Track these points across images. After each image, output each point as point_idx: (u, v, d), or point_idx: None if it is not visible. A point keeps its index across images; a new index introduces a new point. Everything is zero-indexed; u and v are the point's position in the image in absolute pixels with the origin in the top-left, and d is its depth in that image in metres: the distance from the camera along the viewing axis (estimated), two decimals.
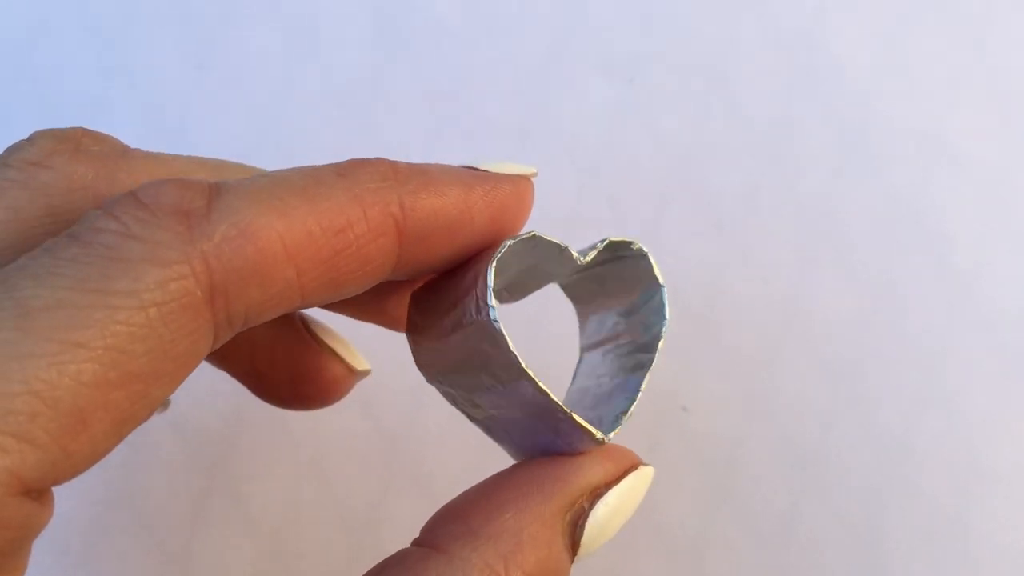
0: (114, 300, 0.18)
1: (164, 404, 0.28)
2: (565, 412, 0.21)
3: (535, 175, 0.25)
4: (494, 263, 0.21)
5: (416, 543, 0.21)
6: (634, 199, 0.34)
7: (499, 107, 0.34)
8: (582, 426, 0.21)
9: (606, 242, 0.23)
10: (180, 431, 0.32)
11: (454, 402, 0.23)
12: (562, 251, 0.23)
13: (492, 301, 0.21)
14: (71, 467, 0.18)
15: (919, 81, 0.34)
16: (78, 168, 0.22)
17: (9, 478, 0.17)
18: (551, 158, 0.34)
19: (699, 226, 0.34)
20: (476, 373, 0.22)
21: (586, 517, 0.21)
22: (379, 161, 0.22)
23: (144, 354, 0.18)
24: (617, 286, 0.25)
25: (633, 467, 0.22)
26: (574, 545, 0.21)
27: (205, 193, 0.20)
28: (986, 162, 0.34)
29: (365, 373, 0.28)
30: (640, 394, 0.23)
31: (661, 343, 0.23)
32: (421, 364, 0.23)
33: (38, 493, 0.18)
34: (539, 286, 0.25)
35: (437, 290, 0.24)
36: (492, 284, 0.21)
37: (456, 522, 0.21)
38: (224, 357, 0.28)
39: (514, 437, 0.23)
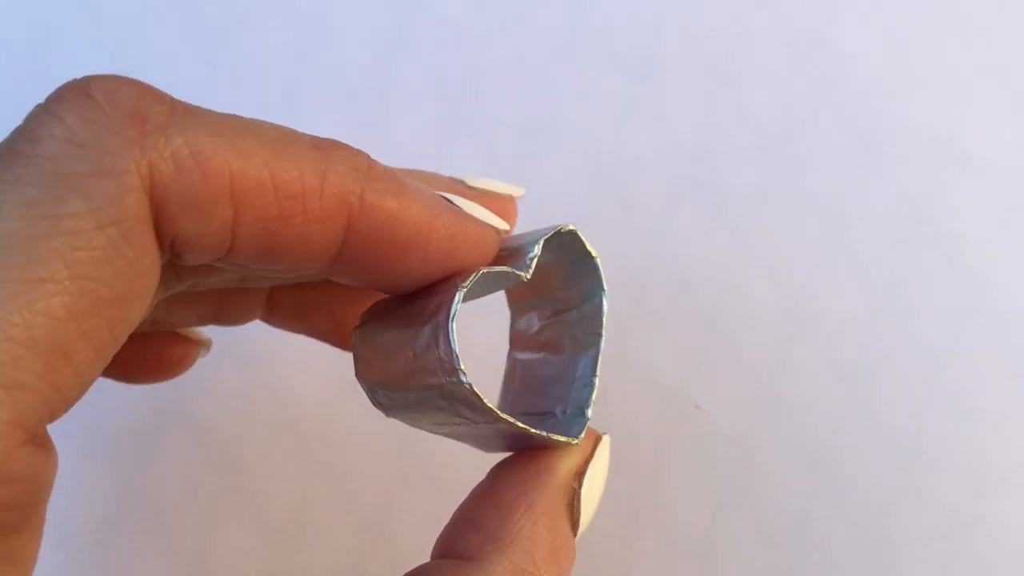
0: (69, 224, 0.17)
1: (206, 347, 0.29)
2: (543, 436, 0.22)
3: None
4: (453, 322, 0.21)
5: (439, 556, 0.21)
6: (645, 198, 0.34)
7: (510, 105, 0.34)
8: (559, 440, 0.22)
9: (540, 242, 0.23)
10: (194, 430, 0.33)
11: (412, 424, 0.24)
12: (508, 275, 0.22)
13: (462, 366, 0.20)
14: (62, 402, 0.18)
15: (930, 81, 0.34)
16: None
17: (11, 430, 0.17)
18: (562, 155, 0.34)
19: (710, 225, 0.34)
20: (442, 414, 0.22)
21: (579, 497, 0.22)
22: (358, 152, 0.21)
23: (112, 277, 0.18)
24: (553, 272, 0.25)
25: (598, 440, 0.23)
26: (574, 524, 0.22)
27: (167, 103, 0.19)
28: (997, 163, 0.34)
29: (206, 345, 0.28)
30: (597, 379, 0.24)
31: (605, 318, 0.24)
32: (374, 400, 0.23)
33: (40, 438, 0.18)
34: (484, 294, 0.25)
35: (384, 324, 0.23)
36: (457, 348, 0.20)
37: (474, 531, 0.21)
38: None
39: (485, 446, 0.24)
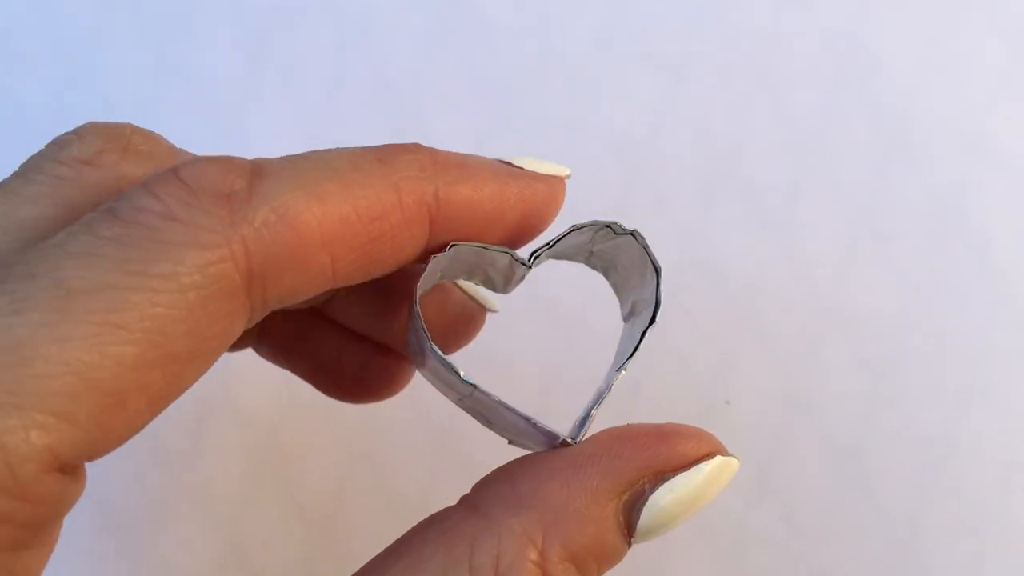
0: (155, 283, 0.18)
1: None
2: (532, 422, 0.20)
3: (568, 176, 0.24)
4: (418, 311, 0.21)
5: (462, 500, 0.21)
6: (679, 194, 0.34)
7: (547, 101, 0.35)
8: (547, 432, 0.20)
9: (575, 230, 0.23)
10: (236, 417, 0.33)
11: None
12: (486, 253, 0.22)
13: (471, 379, 0.20)
14: (106, 444, 0.18)
15: (961, 78, 0.34)
16: (127, 167, 0.21)
17: (47, 455, 0.17)
18: (598, 152, 0.34)
19: (743, 221, 0.34)
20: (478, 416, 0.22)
21: (645, 500, 0.20)
22: (418, 148, 0.22)
23: (182, 336, 0.18)
24: (626, 268, 0.24)
25: (711, 454, 0.20)
26: (629, 528, 0.20)
27: (246, 175, 0.20)
28: None
29: (492, 310, 0.27)
30: (609, 391, 0.21)
31: (647, 332, 0.22)
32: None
33: (72, 468, 0.18)
34: (503, 277, 0.24)
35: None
36: (460, 371, 0.20)
37: (504, 484, 0.20)
38: (290, 357, 0.28)
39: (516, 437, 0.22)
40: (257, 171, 0.20)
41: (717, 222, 0.34)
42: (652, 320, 0.21)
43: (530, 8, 0.35)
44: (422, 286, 0.22)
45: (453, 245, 0.22)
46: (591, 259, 0.24)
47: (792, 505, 0.33)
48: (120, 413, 0.18)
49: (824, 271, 0.33)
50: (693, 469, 0.20)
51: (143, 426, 0.19)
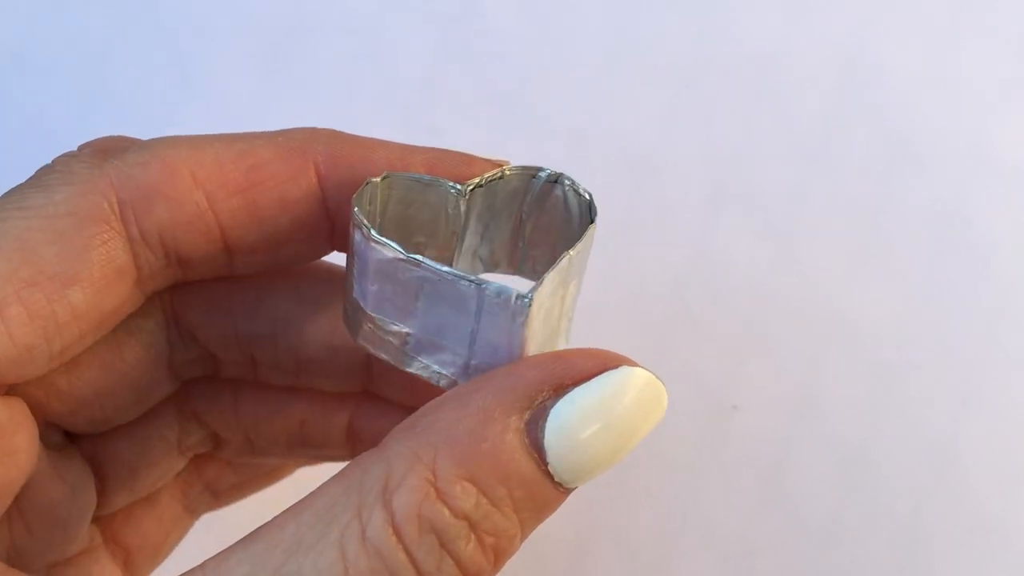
0: (27, 212, 0.20)
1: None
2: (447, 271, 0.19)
3: (504, 164, 0.23)
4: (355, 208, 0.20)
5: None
6: (686, 202, 0.34)
7: (557, 111, 0.35)
8: (503, 288, 0.18)
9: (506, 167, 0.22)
10: None
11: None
12: (431, 185, 0.22)
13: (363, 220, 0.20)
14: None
15: (963, 88, 0.34)
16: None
17: None
18: (606, 160, 0.34)
19: (749, 230, 0.34)
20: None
21: (546, 416, 0.18)
22: (323, 128, 0.23)
23: (55, 255, 0.20)
24: (555, 233, 0.23)
25: (609, 365, 0.19)
26: (538, 450, 0.18)
27: (128, 141, 0.22)
28: None
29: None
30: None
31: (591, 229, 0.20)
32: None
33: None
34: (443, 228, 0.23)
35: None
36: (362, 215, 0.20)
37: (403, 424, 0.19)
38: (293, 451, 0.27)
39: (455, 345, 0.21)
40: (146, 140, 0.22)
41: (723, 230, 0.34)
42: (591, 219, 0.21)
43: (539, 20, 0.35)
44: (356, 198, 0.21)
45: (387, 175, 0.21)
46: (523, 229, 0.23)
47: (798, 509, 0.33)
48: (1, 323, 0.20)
49: (829, 278, 0.34)
50: (594, 380, 0.19)
51: (32, 345, 0.20)
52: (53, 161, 0.22)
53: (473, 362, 0.20)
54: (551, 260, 0.21)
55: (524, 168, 0.22)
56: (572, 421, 0.18)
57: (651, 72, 0.35)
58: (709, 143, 0.34)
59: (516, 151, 0.34)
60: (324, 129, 0.23)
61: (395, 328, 0.21)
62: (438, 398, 0.19)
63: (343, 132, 0.23)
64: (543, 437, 0.18)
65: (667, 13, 0.35)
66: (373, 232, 0.20)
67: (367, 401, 0.26)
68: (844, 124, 0.34)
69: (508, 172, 0.22)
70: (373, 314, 0.21)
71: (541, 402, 0.18)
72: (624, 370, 0.19)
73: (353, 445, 0.26)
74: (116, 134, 0.23)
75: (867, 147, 0.34)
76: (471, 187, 0.22)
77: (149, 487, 0.26)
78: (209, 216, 0.22)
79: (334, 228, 0.23)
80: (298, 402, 0.26)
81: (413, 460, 0.18)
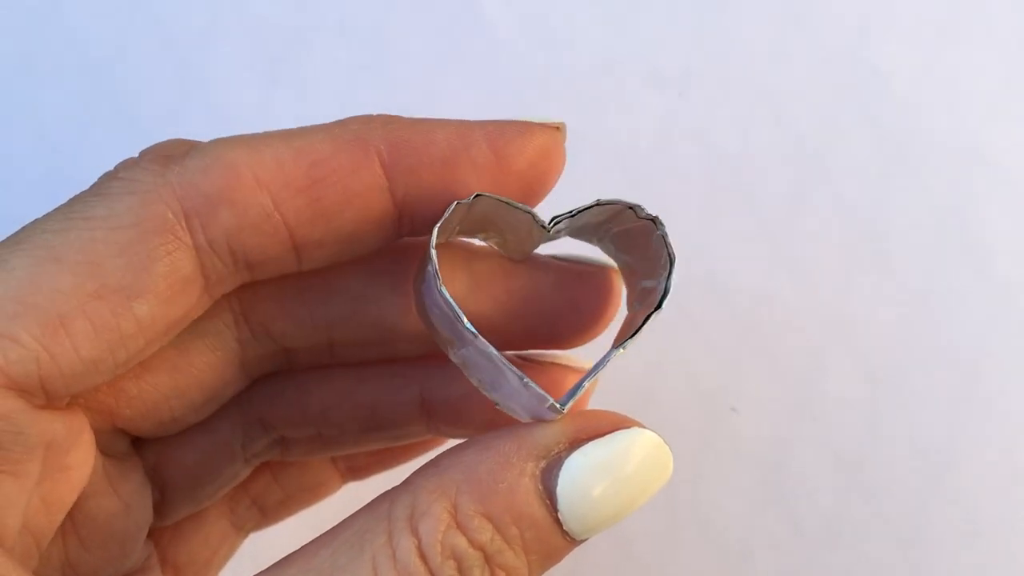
0: (92, 223, 0.20)
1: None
2: (513, 370, 0.20)
3: (560, 126, 0.23)
4: (443, 291, 0.20)
5: None
6: (683, 207, 0.34)
7: (557, 114, 0.35)
8: (543, 395, 0.20)
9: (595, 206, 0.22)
10: None
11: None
12: (517, 211, 0.22)
13: (473, 328, 0.20)
14: (55, 367, 0.20)
15: (961, 93, 0.34)
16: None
17: None
18: (603, 166, 0.35)
19: (747, 234, 0.34)
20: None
21: (561, 466, 0.20)
22: (377, 115, 0.22)
23: (120, 268, 0.20)
24: (640, 254, 0.23)
25: (622, 426, 0.20)
26: (551, 498, 0.19)
27: (188, 144, 0.22)
28: None
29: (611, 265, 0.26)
30: (601, 369, 0.21)
31: (652, 316, 0.21)
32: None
33: (31, 395, 0.20)
34: (516, 236, 0.24)
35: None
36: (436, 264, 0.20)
37: (427, 464, 0.20)
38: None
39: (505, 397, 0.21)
40: (203, 143, 0.21)
41: (721, 234, 0.34)
42: (658, 306, 0.21)
43: (537, 25, 0.35)
44: (440, 231, 0.21)
45: (478, 195, 0.21)
46: (605, 242, 0.24)
47: (797, 511, 0.33)
48: (63, 336, 0.20)
49: (827, 282, 0.34)
50: (607, 436, 0.20)
51: (96, 358, 0.20)
52: (116, 168, 0.21)
53: (500, 403, 0.22)
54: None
55: (616, 201, 0.22)
56: (583, 472, 0.20)
57: (647, 77, 0.35)
58: (706, 148, 0.34)
59: None
60: (379, 116, 0.22)
61: (447, 336, 0.22)
62: (461, 443, 0.21)
63: (398, 116, 0.22)
64: (556, 485, 0.19)
65: (666, 16, 0.35)
66: (445, 291, 0.20)
67: (436, 371, 0.26)
68: (841, 129, 0.34)
69: (599, 203, 0.22)
70: (432, 319, 0.22)
71: (557, 453, 0.20)
72: (635, 431, 0.20)
73: (429, 418, 0.26)
74: (175, 138, 0.23)
75: (864, 152, 0.34)
76: (558, 222, 0.22)
77: (211, 496, 0.26)
78: (276, 218, 0.21)
79: (401, 216, 0.22)
80: (367, 383, 0.26)
81: (438, 494, 0.19)
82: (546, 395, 0.20)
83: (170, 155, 0.21)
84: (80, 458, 0.22)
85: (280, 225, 0.21)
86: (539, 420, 0.21)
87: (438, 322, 0.21)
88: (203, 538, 0.27)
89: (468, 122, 0.22)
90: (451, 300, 0.20)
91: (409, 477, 0.20)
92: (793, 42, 0.35)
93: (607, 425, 0.20)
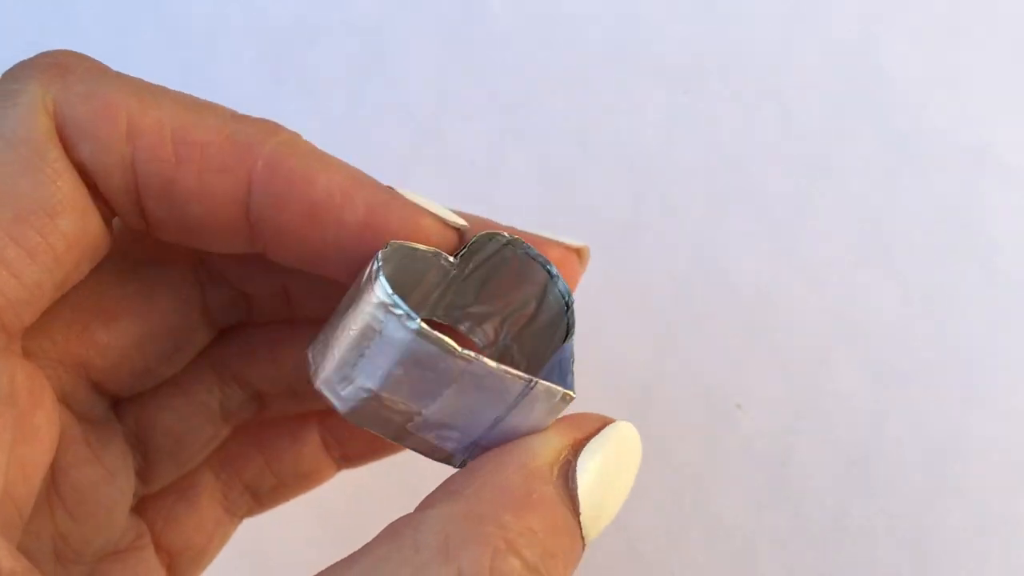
0: None
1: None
2: (508, 372, 0.19)
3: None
4: (380, 274, 0.19)
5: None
6: (689, 204, 0.34)
7: (560, 117, 0.35)
8: (553, 388, 0.19)
9: (475, 238, 0.22)
10: None
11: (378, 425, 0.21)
12: (427, 256, 0.21)
13: (395, 300, 0.19)
14: (4, 300, 0.20)
15: (967, 91, 0.34)
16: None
17: None
18: (609, 165, 0.34)
19: (752, 231, 0.34)
20: (403, 386, 0.20)
21: (574, 467, 0.19)
22: (286, 129, 0.21)
23: (31, 188, 0.20)
24: (500, 285, 0.23)
25: (607, 421, 0.21)
26: (574, 502, 0.19)
27: (90, 63, 0.21)
28: None
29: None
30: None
31: (570, 310, 0.21)
32: (335, 396, 0.21)
33: None
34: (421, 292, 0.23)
35: (326, 325, 0.22)
36: (389, 288, 0.19)
37: (439, 490, 0.20)
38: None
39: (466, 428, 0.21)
40: (104, 68, 0.21)
41: (727, 232, 0.34)
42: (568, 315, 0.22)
43: (543, 23, 0.35)
44: (374, 267, 0.20)
45: (389, 243, 0.21)
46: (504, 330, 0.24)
47: (801, 508, 0.33)
48: (2, 267, 0.19)
49: (832, 280, 0.34)
50: (600, 435, 0.20)
51: (35, 282, 0.20)
52: (5, 74, 0.21)
53: (483, 442, 0.21)
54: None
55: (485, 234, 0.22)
56: (595, 475, 0.20)
57: (653, 74, 0.35)
58: (712, 146, 0.34)
59: (516, 157, 0.35)
60: (285, 132, 0.22)
61: (404, 407, 0.20)
62: (465, 469, 0.20)
63: (301, 141, 0.22)
64: (576, 489, 0.19)
65: (670, 16, 0.35)
66: (423, 325, 0.19)
67: None
68: (847, 127, 0.34)
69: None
70: (382, 393, 0.20)
71: (566, 457, 0.20)
72: (618, 424, 0.21)
73: None
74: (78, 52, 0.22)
75: (870, 149, 0.34)
76: (461, 256, 0.22)
77: (194, 458, 0.26)
78: (130, 171, 0.21)
79: (253, 235, 0.22)
80: None
81: (474, 520, 0.18)
82: (556, 388, 0.20)
83: (66, 68, 0.21)
84: (45, 417, 0.21)
85: (132, 184, 0.21)
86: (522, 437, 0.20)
87: (393, 392, 0.20)
88: (197, 523, 0.27)
89: (358, 181, 0.21)
90: (439, 335, 0.19)
91: (421, 506, 0.19)
92: (800, 40, 0.35)
93: (595, 424, 0.21)
